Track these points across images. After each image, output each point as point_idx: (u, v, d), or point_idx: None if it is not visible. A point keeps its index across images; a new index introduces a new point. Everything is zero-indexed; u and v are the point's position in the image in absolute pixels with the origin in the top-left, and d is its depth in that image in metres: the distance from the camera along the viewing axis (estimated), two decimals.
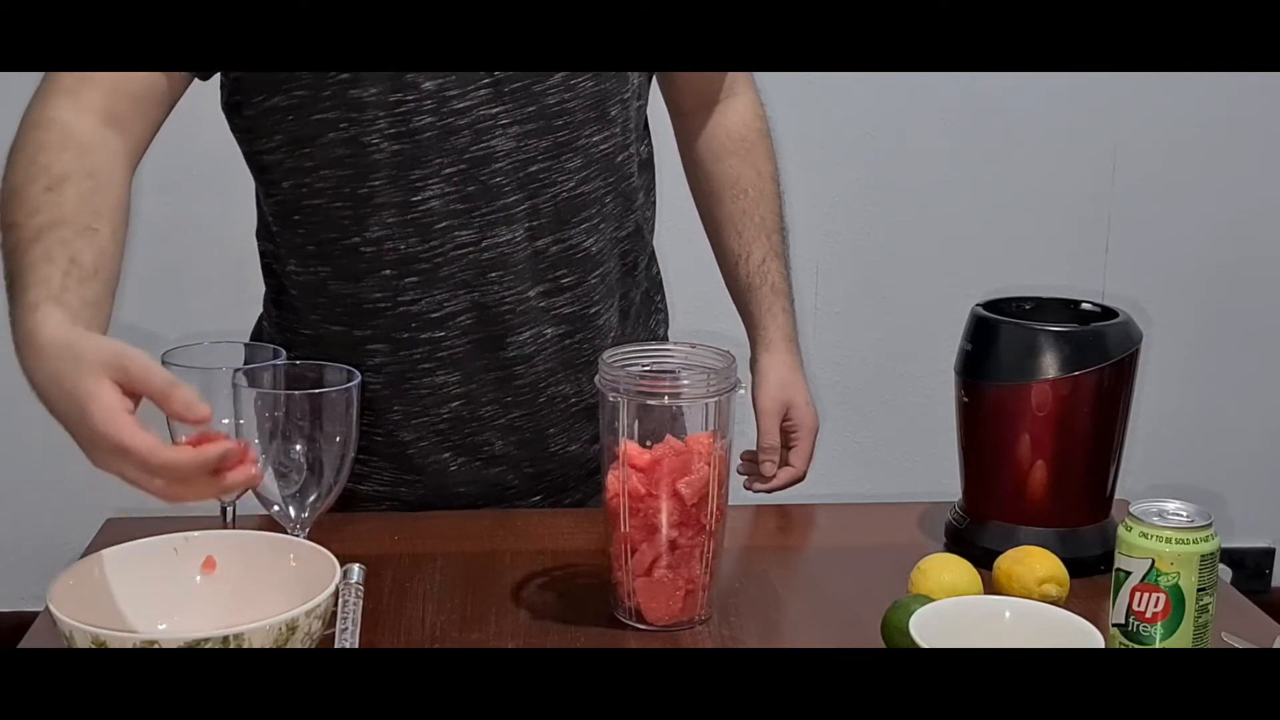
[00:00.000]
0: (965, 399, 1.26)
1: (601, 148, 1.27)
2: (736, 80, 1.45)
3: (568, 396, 1.32)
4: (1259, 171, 2.76)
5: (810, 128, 2.55)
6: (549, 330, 1.29)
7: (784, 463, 1.42)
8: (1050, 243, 2.75)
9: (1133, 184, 2.74)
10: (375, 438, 1.32)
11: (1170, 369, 2.72)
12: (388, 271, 1.25)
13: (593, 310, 1.31)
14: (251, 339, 1.42)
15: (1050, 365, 1.21)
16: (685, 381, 1.11)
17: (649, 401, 1.09)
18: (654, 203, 1.42)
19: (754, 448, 1.43)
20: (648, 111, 1.38)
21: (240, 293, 2.60)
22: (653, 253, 1.44)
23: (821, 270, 2.68)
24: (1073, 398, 1.21)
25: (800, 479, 1.42)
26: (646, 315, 1.43)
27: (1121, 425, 1.24)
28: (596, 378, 1.11)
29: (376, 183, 1.22)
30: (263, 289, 1.40)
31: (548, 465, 1.36)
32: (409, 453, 1.32)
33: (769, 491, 1.42)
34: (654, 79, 1.39)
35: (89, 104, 1.12)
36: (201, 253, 2.60)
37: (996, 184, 2.72)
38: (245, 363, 1.12)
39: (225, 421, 1.11)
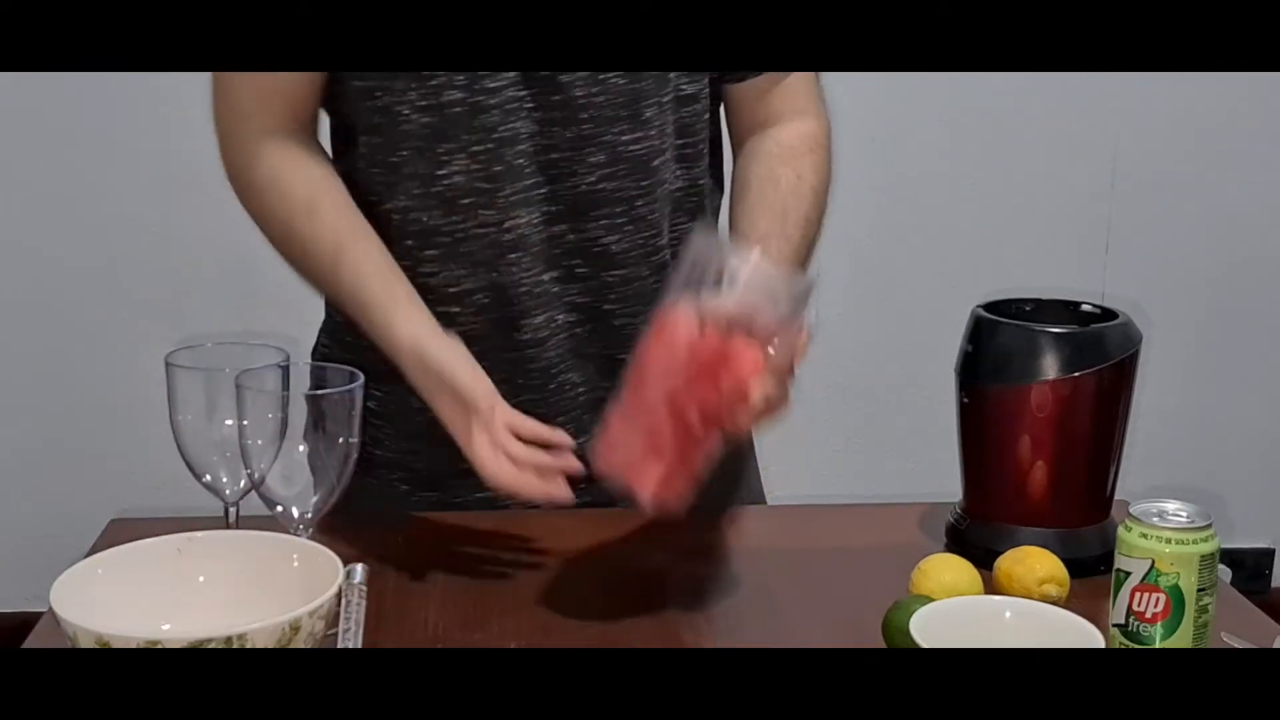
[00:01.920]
0: (965, 400, 1.27)
1: (632, 148, 1.27)
2: (804, 109, 1.37)
3: (576, 385, 1.32)
4: (1259, 172, 2.77)
5: None
6: (560, 316, 1.30)
7: None
8: (1050, 244, 2.75)
9: (1132, 185, 2.74)
10: (390, 405, 1.33)
11: (1170, 370, 2.73)
12: (410, 242, 1.26)
13: (606, 307, 1.31)
14: (324, 324, 1.42)
15: (1050, 366, 1.21)
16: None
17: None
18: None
19: None
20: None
21: (243, 294, 2.62)
22: None
23: (821, 273, 2.68)
24: (1073, 399, 1.22)
25: None
26: None
27: (1121, 426, 1.25)
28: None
29: (405, 153, 1.24)
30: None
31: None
32: (417, 420, 1.32)
33: None
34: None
35: (280, 119, 1.25)
36: (204, 255, 2.60)
37: (996, 184, 2.73)
38: (248, 365, 1.12)
39: (229, 423, 1.11)
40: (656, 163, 1.29)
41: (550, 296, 1.29)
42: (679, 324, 1.07)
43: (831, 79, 1.45)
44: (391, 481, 1.38)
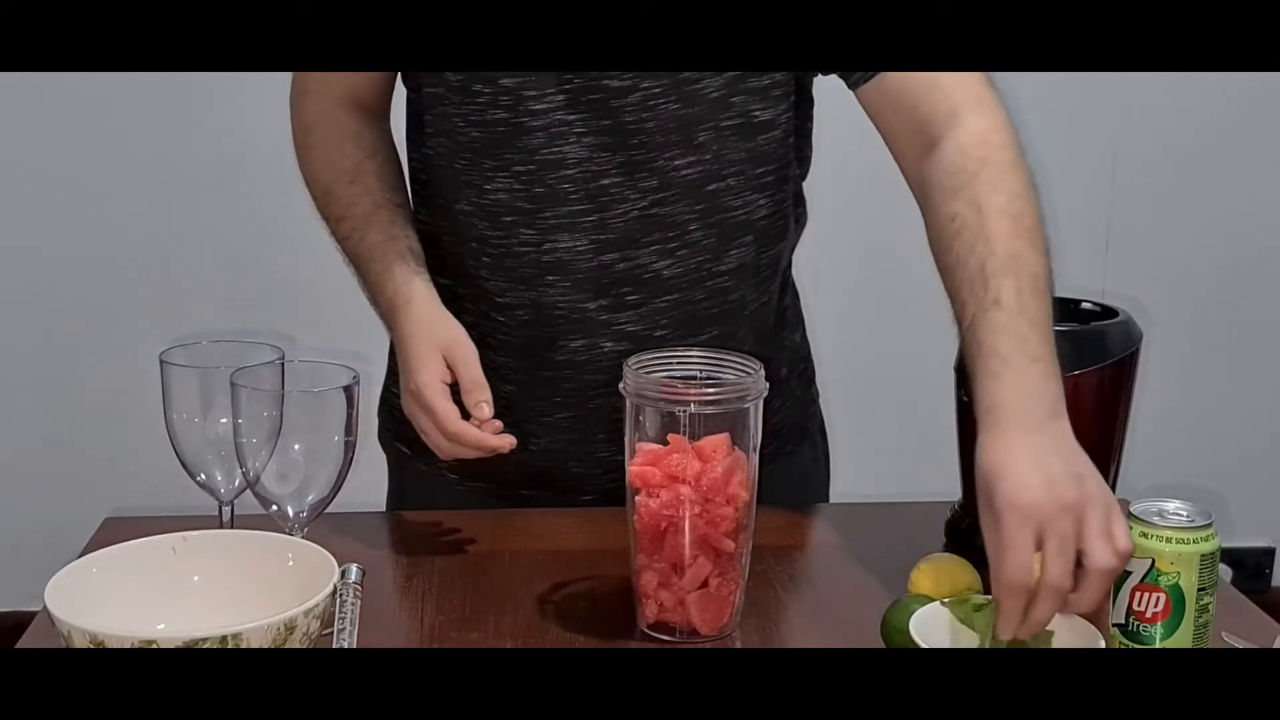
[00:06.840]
0: (965, 399, 1.26)
1: (685, 172, 1.24)
2: (960, 107, 1.22)
3: (618, 409, 1.23)
4: (1259, 171, 2.76)
5: None
6: (607, 344, 1.28)
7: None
8: (1050, 242, 2.75)
9: (1132, 183, 2.74)
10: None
11: (1170, 369, 2.72)
12: (473, 244, 1.29)
13: (659, 334, 1.28)
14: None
15: None
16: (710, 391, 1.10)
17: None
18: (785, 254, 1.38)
19: None
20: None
21: (238, 292, 2.62)
22: (786, 285, 1.41)
23: (821, 271, 2.67)
24: (1073, 397, 1.20)
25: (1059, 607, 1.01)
26: (775, 348, 1.39)
27: (1122, 424, 1.24)
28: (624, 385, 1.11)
29: (461, 163, 1.26)
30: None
31: (596, 469, 1.33)
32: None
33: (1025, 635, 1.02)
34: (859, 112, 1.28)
35: (338, 97, 1.34)
36: (200, 252, 2.60)
37: None
38: (243, 363, 1.11)
39: (224, 421, 1.11)
40: (712, 187, 1.26)
41: (595, 324, 1.28)
42: (659, 472, 1.09)
43: (831, 78, 1.45)
44: (440, 470, 1.36)
